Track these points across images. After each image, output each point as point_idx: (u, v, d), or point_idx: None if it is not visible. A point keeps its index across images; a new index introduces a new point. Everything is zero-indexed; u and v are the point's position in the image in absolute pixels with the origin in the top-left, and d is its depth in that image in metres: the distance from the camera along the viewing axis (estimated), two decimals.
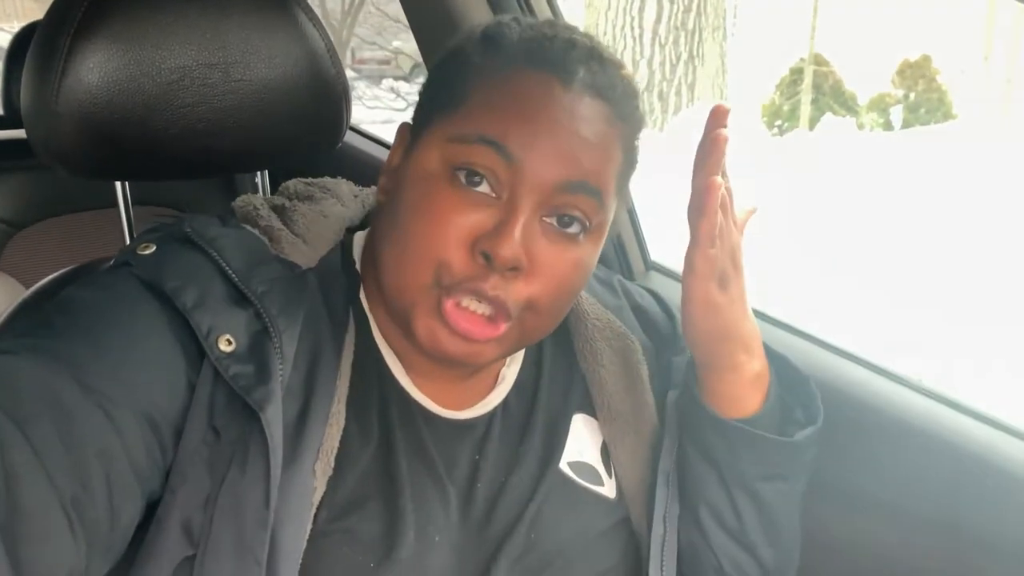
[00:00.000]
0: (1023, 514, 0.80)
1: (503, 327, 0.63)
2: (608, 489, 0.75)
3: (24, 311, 0.77)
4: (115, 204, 0.92)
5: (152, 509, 0.58)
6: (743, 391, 0.72)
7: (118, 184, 0.90)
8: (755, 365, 0.72)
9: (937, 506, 0.85)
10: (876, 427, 0.89)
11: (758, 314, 1.01)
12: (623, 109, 0.65)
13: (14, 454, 0.47)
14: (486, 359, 0.66)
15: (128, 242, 0.92)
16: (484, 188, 0.62)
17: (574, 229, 0.64)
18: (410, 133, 0.69)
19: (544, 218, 0.63)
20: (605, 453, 0.76)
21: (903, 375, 0.92)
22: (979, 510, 0.83)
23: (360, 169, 0.85)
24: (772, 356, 0.75)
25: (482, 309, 0.62)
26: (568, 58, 0.63)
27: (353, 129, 1.26)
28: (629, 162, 0.68)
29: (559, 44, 0.64)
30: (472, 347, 0.64)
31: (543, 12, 1.10)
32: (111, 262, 0.66)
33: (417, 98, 0.72)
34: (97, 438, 0.52)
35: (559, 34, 0.65)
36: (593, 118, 0.63)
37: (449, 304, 0.62)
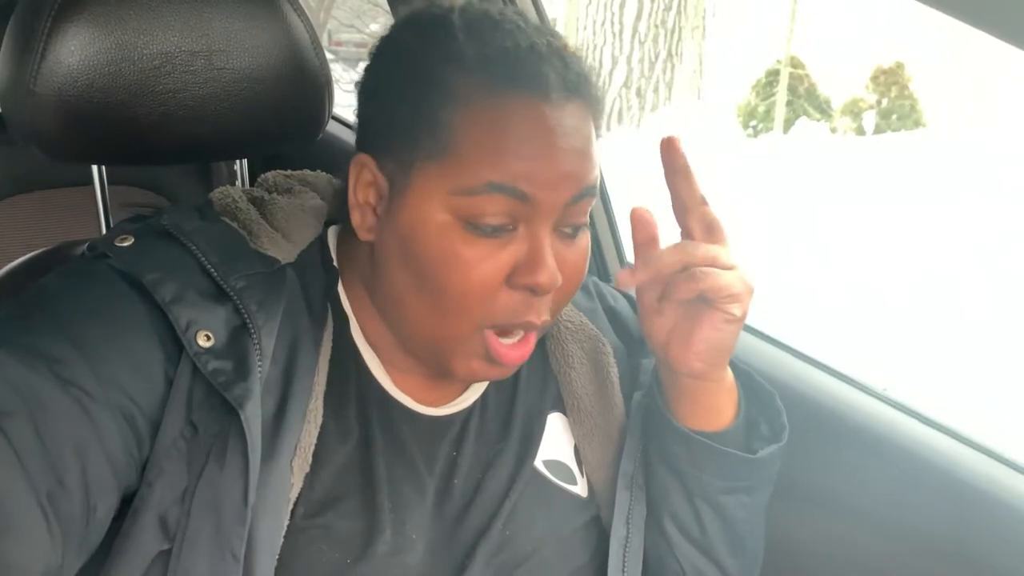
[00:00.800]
0: (985, 524, 0.82)
1: (533, 339, 0.66)
2: (581, 488, 0.76)
3: None
4: (89, 182, 0.91)
5: (128, 502, 0.58)
6: (722, 402, 0.73)
7: (94, 167, 0.89)
8: (729, 376, 0.73)
9: (900, 513, 0.86)
10: (842, 434, 0.91)
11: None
12: (592, 95, 0.65)
13: None
14: (507, 375, 0.69)
15: (103, 224, 0.91)
16: (501, 230, 0.62)
17: (580, 227, 0.66)
18: (379, 172, 0.64)
19: (558, 229, 0.65)
20: (578, 452, 0.77)
21: (870, 385, 0.94)
22: (941, 518, 0.84)
23: (340, 158, 0.85)
24: (738, 370, 0.76)
25: (518, 335, 0.65)
26: (540, 70, 0.61)
27: (335, 119, 1.26)
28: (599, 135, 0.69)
29: (524, 55, 0.61)
30: (504, 372, 0.67)
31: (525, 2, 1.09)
32: (84, 249, 0.66)
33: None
34: (74, 433, 0.52)
35: (518, 41, 0.62)
36: (578, 124, 0.63)
37: (494, 342, 0.64)
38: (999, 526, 0.82)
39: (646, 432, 0.76)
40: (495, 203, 0.60)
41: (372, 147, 0.65)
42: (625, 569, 0.73)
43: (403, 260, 0.64)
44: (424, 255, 0.62)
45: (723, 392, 0.72)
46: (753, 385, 0.77)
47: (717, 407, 0.72)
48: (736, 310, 0.66)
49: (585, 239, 0.67)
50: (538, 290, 0.62)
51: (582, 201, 0.64)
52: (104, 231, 0.90)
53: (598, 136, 0.66)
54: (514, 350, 0.65)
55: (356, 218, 0.66)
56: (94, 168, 0.88)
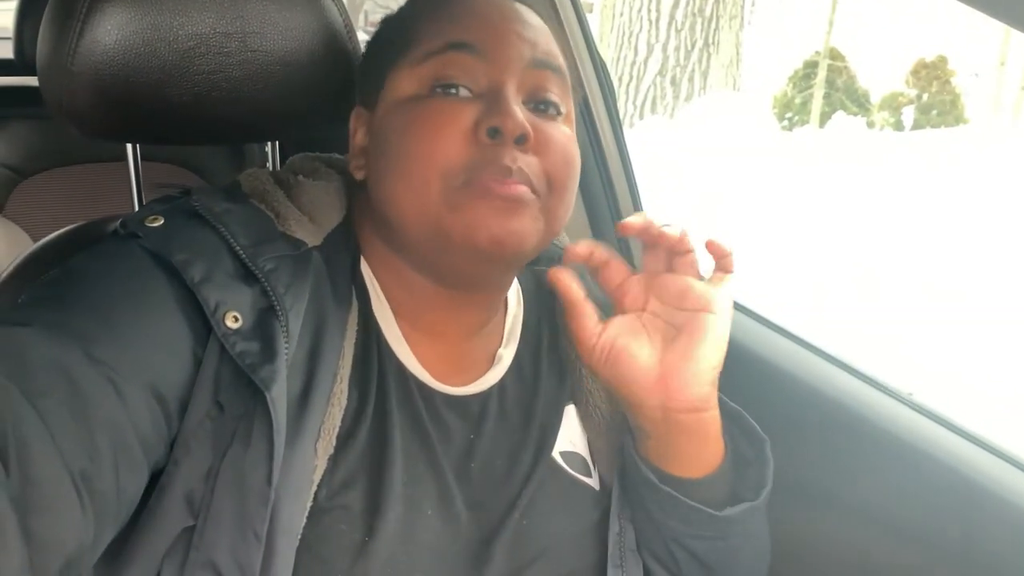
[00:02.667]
0: (994, 525, 0.82)
1: (525, 189, 0.64)
2: (595, 481, 0.76)
3: (31, 268, 0.77)
4: (121, 158, 0.92)
5: (155, 478, 0.59)
6: (708, 448, 0.71)
7: (128, 146, 0.90)
8: (717, 418, 0.70)
9: (911, 514, 0.86)
10: (864, 437, 0.90)
11: (751, 315, 1.02)
12: (542, 11, 0.72)
13: (26, 427, 0.47)
14: (528, 240, 0.65)
15: (136, 200, 0.92)
16: (463, 91, 0.66)
17: (552, 111, 0.68)
18: (365, 108, 0.72)
19: (525, 103, 0.67)
20: (591, 444, 0.77)
21: (894, 388, 0.93)
22: (959, 525, 0.84)
23: None
24: (729, 411, 0.74)
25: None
26: None
27: None
28: (567, 59, 0.72)
29: None
30: (513, 221, 0.64)
31: None
32: (115, 228, 0.67)
33: None
34: (105, 411, 0.53)
35: None
36: (527, 12, 0.70)
37: (478, 185, 0.63)
38: (1008, 527, 0.81)
39: (621, 472, 0.75)
40: (454, 60, 0.66)
41: (361, 97, 0.74)
42: (623, 568, 0.73)
43: (379, 156, 0.68)
44: (393, 132, 0.67)
45: (709, 438, 0.70)
46: (746, 428, 0.75)
47: (700, 453, 0.70)
48: (712, 317, 0.67)
49: (568, 129, 0.69)
50: (503, 131, 0.63)
51: (544, 71, 0.68)
52: (137, 207, 0.91)
53: (562, 47, 0.72)
54: (504, 185, 0.63)
55: (353, 163, 0.72)
56: (128, 146, 0.90)
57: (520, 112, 0.64)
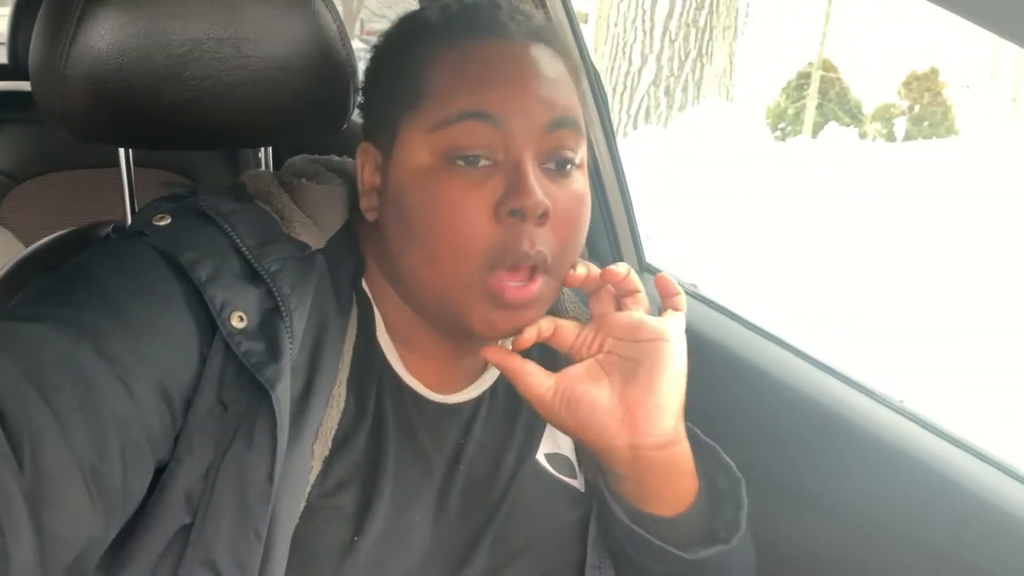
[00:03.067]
0: (990, 535, 0.82)
1: (539, 281, 0.65)
2: (580, 482, 0.76)
3: (22, 273, 0.77)
4: (114, 163, 0.92)
5: (156, 476, 0.59)
6: (681, 486, 0.70)
7: (120, 150, 0.90)
8: (688, 453, 0.70)
9: (911, 525, 0.86)
10: (857, 444, 0.90)
11: (742, 322, 1.02)
12: (558, 46, 0.69)
13: (39, 422, 0.48)
14: (529, 325, 0.67)
15: (128, 206, 0.92)
16: (482, 163, 0.64)
17: (569, 162, 0.67)
18: (376, 148, 0.69)
19: (543, 165, 0.65)
20: (577, 446, 0.77)
21: (884, 394, 0.93)
22: (949, 530, 0.84)
23: None
24: (703, 447, 0.74)
25: (523, 276, 0.65)
26: (501, 19, 0.67)
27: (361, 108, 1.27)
28: (581, 99, 0.70)
29: (483, 8, 0.68)
30: (523, 318, 0.66)
31: None
32: (109, 231, 0.67)
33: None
34: (116, 408, 0.53)
35: (479, 1, 0.69)
36: (544, 60, 0.67)
37: (496, 282, 0.63)
38: (998, 533, 0.82)
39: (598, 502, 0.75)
40: (470, 131, 0.63)
41: (368, 132, 0.71)
42: (601, 570, 0.74)
43: (398, 217, 0.66)
44: (413, 204, 0.65)
45: (682, 473, 0.69)
46: (721, 464, 0.75)
47: (674, 489, 0.69)
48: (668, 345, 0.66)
49: (580, 181, 0.68)
50: (525, 213, 0.62)
51: (561, 131, 0.65)
52: (130, 213, 0.91)
53: (579, 90, 0.69)
54: (519, 290, 0.64)
55: (364, 202, 0.70)
56: (121, 151, 0.90)
57: (539, 189, 0.63)
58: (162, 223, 0.64)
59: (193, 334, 0.60)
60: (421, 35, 0.68)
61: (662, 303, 0.70)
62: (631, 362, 0.67)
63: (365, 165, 0.70)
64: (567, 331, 0.70)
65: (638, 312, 0.68)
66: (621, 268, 0.69)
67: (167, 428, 0.58)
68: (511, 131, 0.63)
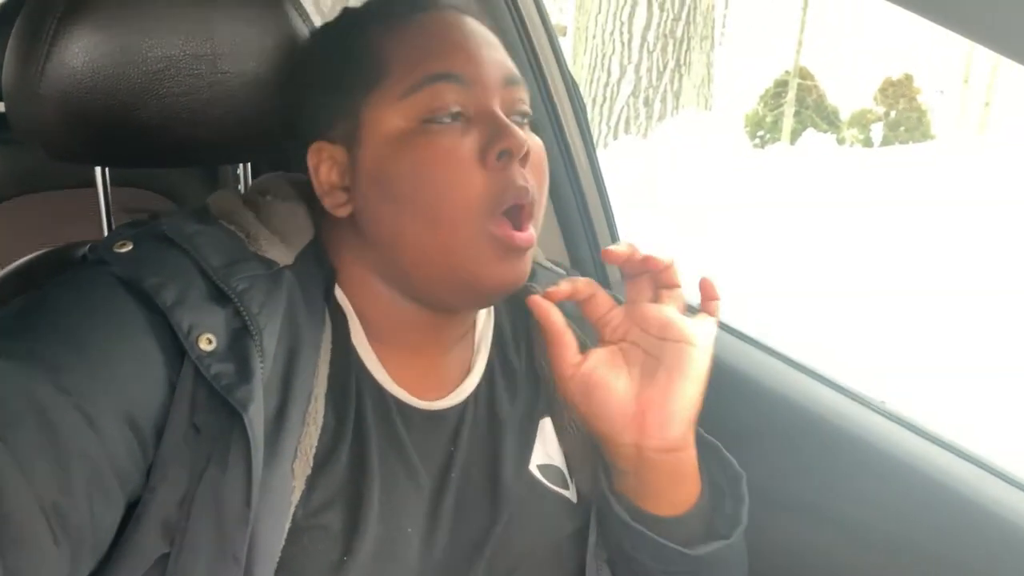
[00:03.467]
0: (974, 536, 0.82)
1: (530, 225, 0.67)
2: (572, 493, 0.76)
3: (1, 292, 0.76)
4: (92, 184, 0.91)
5: (130, 508, 0.58)
6: (683, 490, 0.70)
7: (98, 168, 0.89)
8: (693, 454, 0.70)
9: (894, 526, 0.87)
10: (838, 446, 0.91)
11: (726, 328, 1.03)
12: (486, 22, 0.72)
13: None
14: (527, 275, 0.69)
15: (106, 226, 0.91)
16: (455, 121, 0.66)
17: (526, 121, 0.71)
18: (332, 143, 0.68)
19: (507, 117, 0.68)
20: (567, 457, 0.77)
21: (867, 397, 0.94)
22: (933, 532, 0.84)
23: None
24: (705, 444, 0.74)
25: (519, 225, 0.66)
26: None
27: None
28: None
29: None
30: (524, 265, 0.68)
31: (529, 9, 1.10)
32: (86, 251, 0.66)
33: None
34: (78, 443, 0.52)
35: None
36: (483, 28, 0.71)
37: (501, 232, 0.65)
38: (982, 533, 0.82)
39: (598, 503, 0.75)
40: (440, 92, 0.65)
41: (320, 131, 0.70)
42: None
43: (383, 198, 0.66)
44: (398, 173, 0.65)
45: (686, 477, 0.70)
46: (722, 461, 0.75)
47: (676, 492, 0.70)
48: (695, 350, 0.66)
49: (538, 140, 0.70)
50: (512, 151, 0.64)
51: (516, 87, 0.69)
52: (107, 232, 0.91)
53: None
54: (524, 234, 0.66)
55: (328, 202, 0.70)
56: (97, 170, 0.89)
57: (518, 129, 0.65)
58: (123, 250, 0.63)
59: (160, 360, 0.59)
60: (367, 21, 0.70)
61: (700, 305, 0.70)
62: (653, 359, 0.67)
63: (320, 165, 0.69)
64: (601, 301, 0.71)
65: (671, 309, 0.68)
66: (665, 258, 0.68)
67: (137, 459, 0.56)
68: (477, 87, 0.66)
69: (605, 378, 0.67)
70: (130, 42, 0.72)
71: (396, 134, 0.65)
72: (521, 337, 0.80)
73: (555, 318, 0.69)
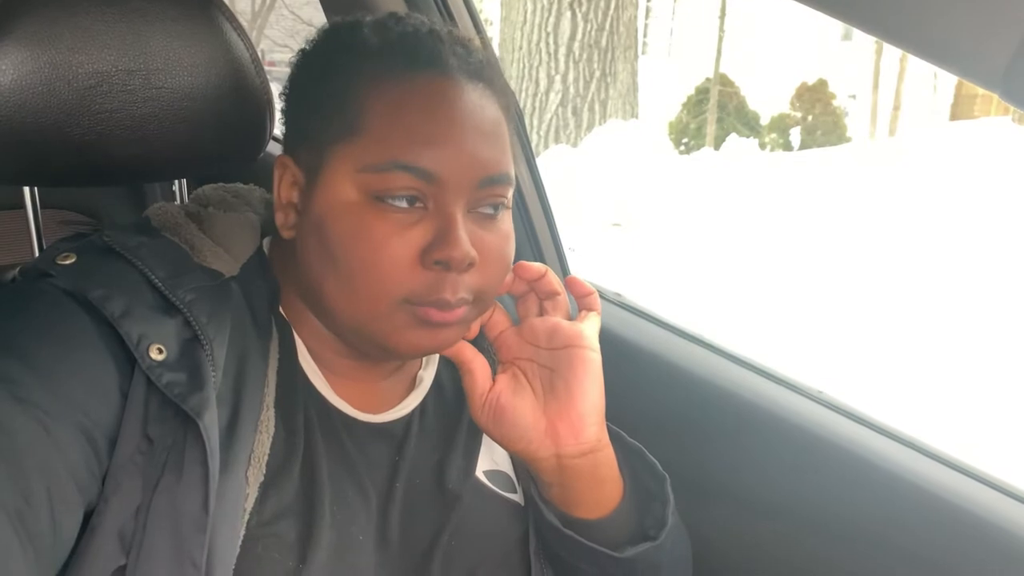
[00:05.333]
0: (909, 514, 0.86)
1: (465, 309, 0.65)
2: (519, 496, 0.77)
3: None
4: (19, 206, 0.88)
5: (86, 519, 0.57)
6: (606, 490, 0.71)
7: (26, 188, 0.86)
8: (611, 455, 0.72)
9: (831, 510, 0.90)
10: (775, 434, 0.94)
11: (665, 326, 1.05)
12: (498, 84, 0.68)
13: None
14: (452, 343, 0.68)
15: (36, 247, 0.89)
16: (409, 207, 0.63)
17: (497, 211, 0.66)
18: (297, 165, 0.67)
19: (469, 213, 0.65)
20: (514, 461, 0.78)
21: (804, 386, 0.97)
22: (872, 515, 0.88)
23: None
24: (628, 448, 0.76)
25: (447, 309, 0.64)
26: (441, 52, 0.64)
27: (275, 139, 1.25)
28: (514, 129, 0.69)
29: (425, 38, 0.65)
30: (444, 337, 0.66)
31: (460, 11, 1.11)
32: (16, 274, 0.64)
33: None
34: (36, 452, 0.51)
35: (417, 27, 0.66)
36: (483, 106, 0.65)
37: (419, 314, 0.63)
38: (921, 514, 0.86)
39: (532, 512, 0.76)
40: (401, 180, 0.62)
41: (292, 147, 0.69)
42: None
43: (319, 245, 0.65)
44: (336, 234, 0.63)
45: (606, 479, 0.71)
46: (647, 464, 0.77)
47: (600, 494, 0.71)
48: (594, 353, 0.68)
49: (506, 222, 0.68)
50: (452, 265, 0.62)
51: (494, 187, 0.65)
52: (37, 253, 0.88)
53: (511, 128, 0.68)
54: (443, 313, 0.64)
55: (280, 218, 0.68)
56: (26, 190, 0.86)
57: (466, 240, 0.62)
58: (67, 262, 0.62)
59: (111, 372, 0.58)
60: (357, 58, 0.65)
61: (579, 303, 0.72)
62: (549, 371, 0.69)
63: (283, 179, 0.68)
64: (497, 322, 0.72)
65: (554, 318, 0.70)
66: (537, 267, 0.70)
67: (92, 469, 0.56)
68: (443, 186, 0.62)
69: (511, 402, 0.69)
70: (60, 58, 0.70)
71: (346, 200, 0.63)
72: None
73: (460, 349, 0.69)
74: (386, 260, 0.62)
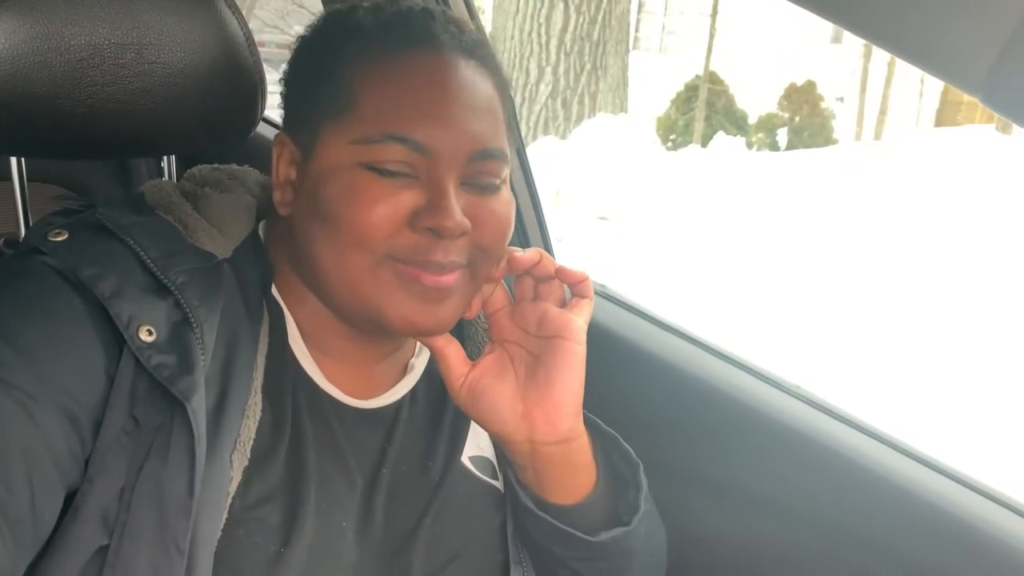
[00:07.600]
0: (886, 512, 0.88)
1: (457, 272, 0.65)
2: (501, 483, 0.78)
3: None
4: (5, 178, 0.88)
5: (68, 500, 0.57)
6: (580, 477, 0.72)
7: (13, 160, 0.86)
8: (586, 443, 0.72)
9: (804, 503, 0.91)
10: (753, 427, 0.95)
11: (648, 318, 1.06)
12: (491, 63, 0.69)
13: None
14: (448, 324, 0.68)
15: (22, 219, 0.88)
16: (402, 177, 0.64)
17: (491, 187, 0.67)
18: (294, 143, 0.68)
19: (463, 186, 0.65)
20: (497, 447, 0.79)
21: (783, 381, 0.98)
22: (846, 508, 0.89)
23: (269, 158, 0.85)
24: (603, 435, 0.77)
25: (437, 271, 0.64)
26: (433, 30, 0.66)
27: (265, 120, 1.25)
28: (508, 109, 0.70)
29: (417, 16, 0.67)
30: (437, 310, 0.65)
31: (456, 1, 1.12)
32: (2, 243, 0.64)
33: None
34: (19, 436, 0.51)
35: (412, 7, 0.68)
36: (476, 82, 0.66)
37: (408, 271, 0.63)
38: (889, 504, 0.87)
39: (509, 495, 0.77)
40: (394, 151, 0.63)
41: (290, 126, 0.70)
42: (523, 565, 0.75)
43: (312, 212, 0.65)
44: (329, 199, 0.64)
45: (579, 466, 0.72)
46: (621, 451, 0.78)
47: (573, 481, 0.72)
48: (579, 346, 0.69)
49: (505, 194, 0.68)
50: (443, 233, 0.63)
51: (487, 161, 0.65)
52: (23, 225, 0.87)
53: (505, 106, 0.68)
54: (435, 276, 0.64)
55: (277, 195, 0.69)
56: (12, 161, 0.86)
57: (459, 210, 0.63)
58: (59, 239, 0.61)
59: (98, 352, 0.58)
60: (351, 38, 0.67)
61: (571, 290, 0.72)
62: (533, 358, 0.70)
63: (281, 157, 0.69)
64: (498, 296, 0.71)
65: (546, 304, 0.70)
66: (530, 256, 0.70)
67: (75, 451, 0.56)
68: (435, 158, 0.63)
69: (491, 384, 0.69)
70: (52, 29, 0.70)
71: (342, 167, 0.64)
72: (456, 332, 0.81)
73: (435, 336, 0.69)
74: (372, 217, 0.62)
